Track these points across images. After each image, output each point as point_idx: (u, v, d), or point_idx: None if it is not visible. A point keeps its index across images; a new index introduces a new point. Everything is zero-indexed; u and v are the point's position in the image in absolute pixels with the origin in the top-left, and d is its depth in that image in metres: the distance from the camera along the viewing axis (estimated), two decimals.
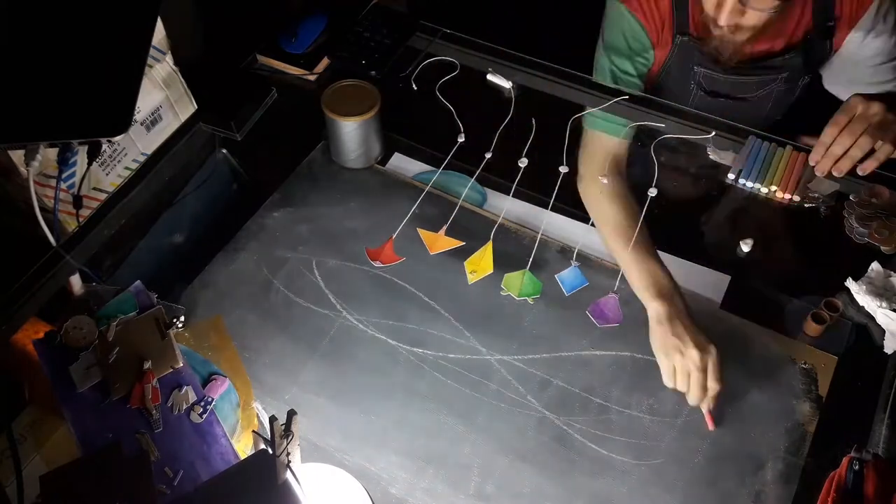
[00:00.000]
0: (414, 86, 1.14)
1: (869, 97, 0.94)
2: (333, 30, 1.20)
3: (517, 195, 1.01)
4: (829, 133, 0.94)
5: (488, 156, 1.04)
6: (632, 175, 1.02)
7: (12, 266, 0.90)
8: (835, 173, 0.94)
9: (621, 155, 1.02)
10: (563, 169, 1.03)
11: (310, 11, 1.21)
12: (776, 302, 0.90)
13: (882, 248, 0.92)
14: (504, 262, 0.93)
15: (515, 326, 0.89)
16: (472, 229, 0.97)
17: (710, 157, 1.03)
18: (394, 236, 0.96)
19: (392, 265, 0.94)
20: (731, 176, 1.00)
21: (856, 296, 0.88)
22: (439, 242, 0.95)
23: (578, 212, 0.99)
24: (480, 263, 0.94)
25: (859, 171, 0.94)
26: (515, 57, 1.15)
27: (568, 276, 0.93)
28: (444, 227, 0.97)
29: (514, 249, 0.95)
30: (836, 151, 0.94)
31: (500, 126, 1.07)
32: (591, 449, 0.80)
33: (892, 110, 0.93)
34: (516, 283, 0.92)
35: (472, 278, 0.93)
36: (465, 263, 0.94)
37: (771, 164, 0.99)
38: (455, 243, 0.95)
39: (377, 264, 0.94)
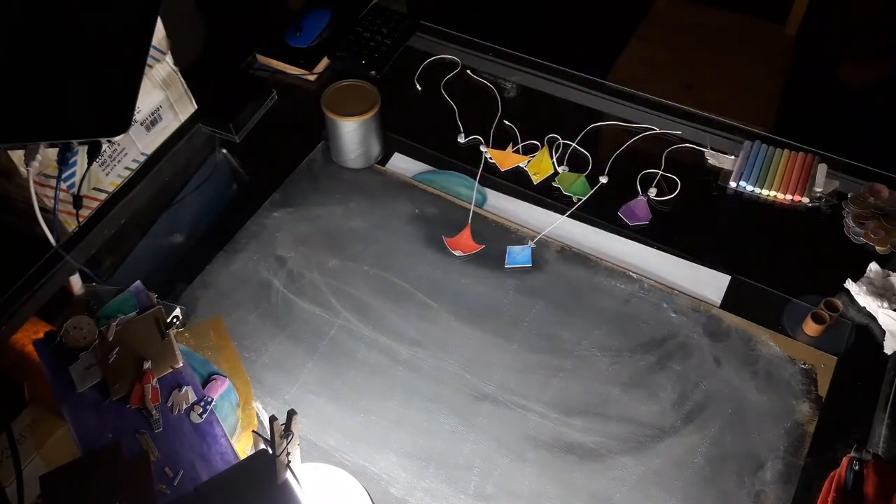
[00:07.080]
0: (418, 86, 1.14)
1: None
2: (335, 28, 1.20)
3: (518, 195, 1.01)
4: None
5: (486, 153, 1.04)
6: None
7: (12, 266, 0.90)
8: None
9: None
10: (563, 169, 1.03)
11: (313, 6, 1.21)
12: (776, 302, 0.90)
13: (877, 248, 0.92)
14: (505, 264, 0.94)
15: (515, 327, 0.89)
16: (474, 230, 0.97)
17: (709, 160, 1.02)
18: (469, 223, 0.97)
19: (387, 268, 0.94)
20: (732, 184, 0.99)
21: (856, 297, 0.88)
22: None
23: (579, 212, 0.99)
24: (541, 166, 1.03)
25: None
26: (515, 56, 1.15)
27: (518, 252, 0.94)
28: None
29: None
30: None
31: (494, 125, 1.07)
32: (591, 449, 0.80)
33: None
34: (568, 181, 1.01)
35: (535, 179, 1.02)
36: (528, 167, 1.03)
37: (770, 166, 0.99)
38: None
39: (458, 254, 0.95)
